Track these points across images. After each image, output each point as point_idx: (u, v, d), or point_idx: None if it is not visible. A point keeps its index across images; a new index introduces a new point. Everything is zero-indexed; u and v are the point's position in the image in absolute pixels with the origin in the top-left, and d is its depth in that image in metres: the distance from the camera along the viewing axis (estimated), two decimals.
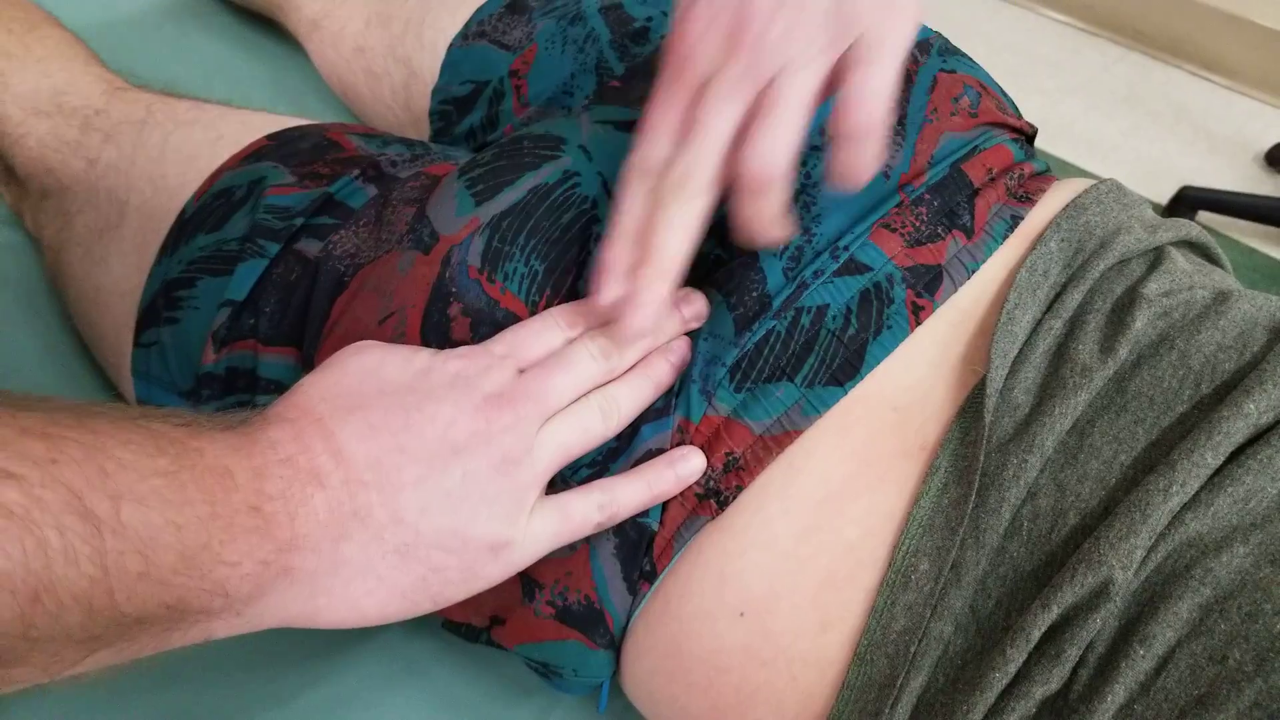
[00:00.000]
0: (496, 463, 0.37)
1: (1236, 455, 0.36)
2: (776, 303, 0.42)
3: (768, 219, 0.38)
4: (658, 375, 0.41)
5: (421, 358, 0.39)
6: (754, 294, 0.42)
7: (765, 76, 0.36)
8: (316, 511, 0.34)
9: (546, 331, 0.41)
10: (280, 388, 0.47)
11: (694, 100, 0.37)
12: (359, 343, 0.40)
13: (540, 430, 0.38)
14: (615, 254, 0.39)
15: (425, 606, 0.37)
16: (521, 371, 0.39)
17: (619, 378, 0.41)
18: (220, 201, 0.52)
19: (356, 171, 0.52)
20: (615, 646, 0.42)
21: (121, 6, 0.88)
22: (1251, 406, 0.36)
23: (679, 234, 0.37)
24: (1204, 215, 1.47)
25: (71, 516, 0.27)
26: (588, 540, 0.40)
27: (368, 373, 0.38)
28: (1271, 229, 1.48)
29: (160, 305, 0.51)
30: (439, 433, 0.37)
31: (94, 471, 0.28)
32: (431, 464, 0.36)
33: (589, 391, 0.40)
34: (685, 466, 0.40)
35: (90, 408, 0.32)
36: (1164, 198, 1.46)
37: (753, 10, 0.35)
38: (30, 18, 0.71)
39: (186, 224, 0.52)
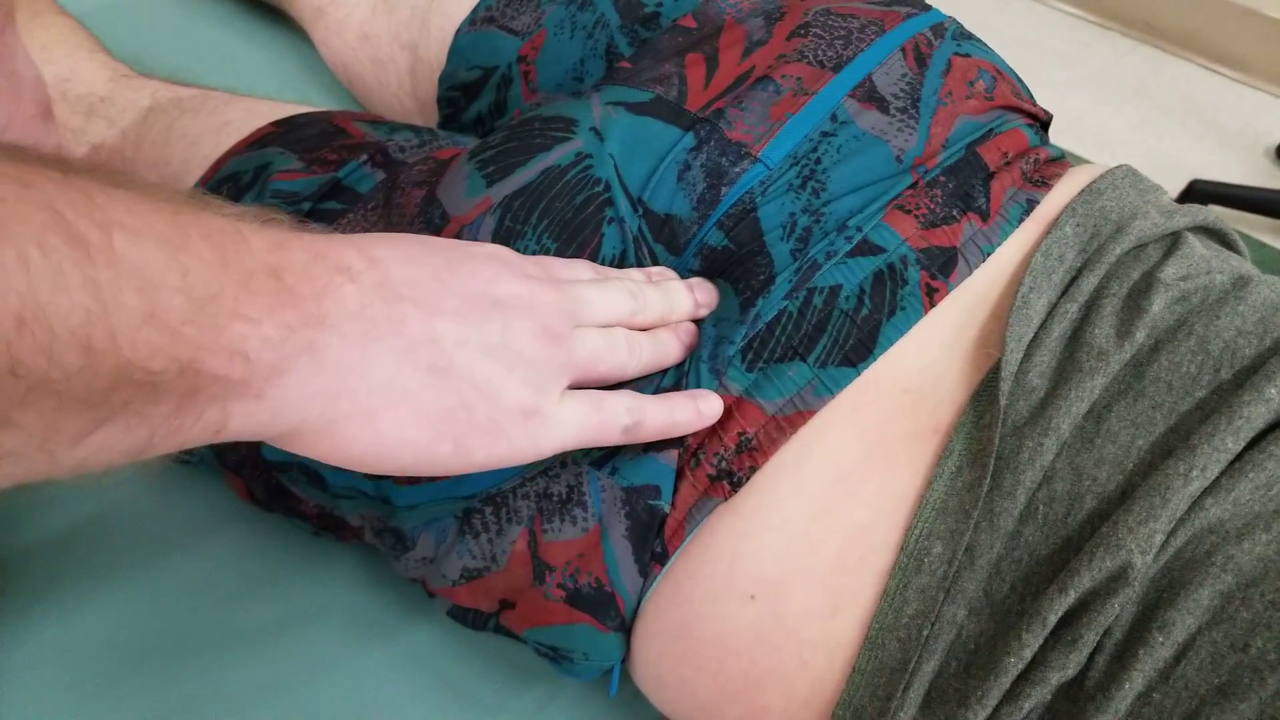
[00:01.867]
0: (537, 329, 0.36)
1: (1258, 441, 0.36)
2: (780, 279, 0.41)
3: None
4: (667, 345, 0.41)
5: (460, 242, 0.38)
6: (760, 277, 0.42)
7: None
8: (345, 300, 0.31)
9: (576, 266, 0.41)
10: None
11: None
12: None
13: (575, 328, 0.37)
14: None
15: (444, 450, 0.34)
16: None
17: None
18: (226, 186, 0.52)
19: (364, 157, 0.52)
20: (626, 629, 0.42)
21: None
22: (1273, 391, 0.36)
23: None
24: (1214, 209, 1.46)
25: (55, 236, 0.23)
26: (600, 521, 0.40)
27: (410, 236, 0.37)
28: None
29: None
30: (482, 284, 0.35)
31: (77, 196, 0.24)
32: (473, 305, 0.34)
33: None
34: (706, 404, 0.39)
35: (70, 160, 0.27)
36: (1174, 191, 1.45)
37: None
38: (34, 4, 0.71)
39: None
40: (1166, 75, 1.67)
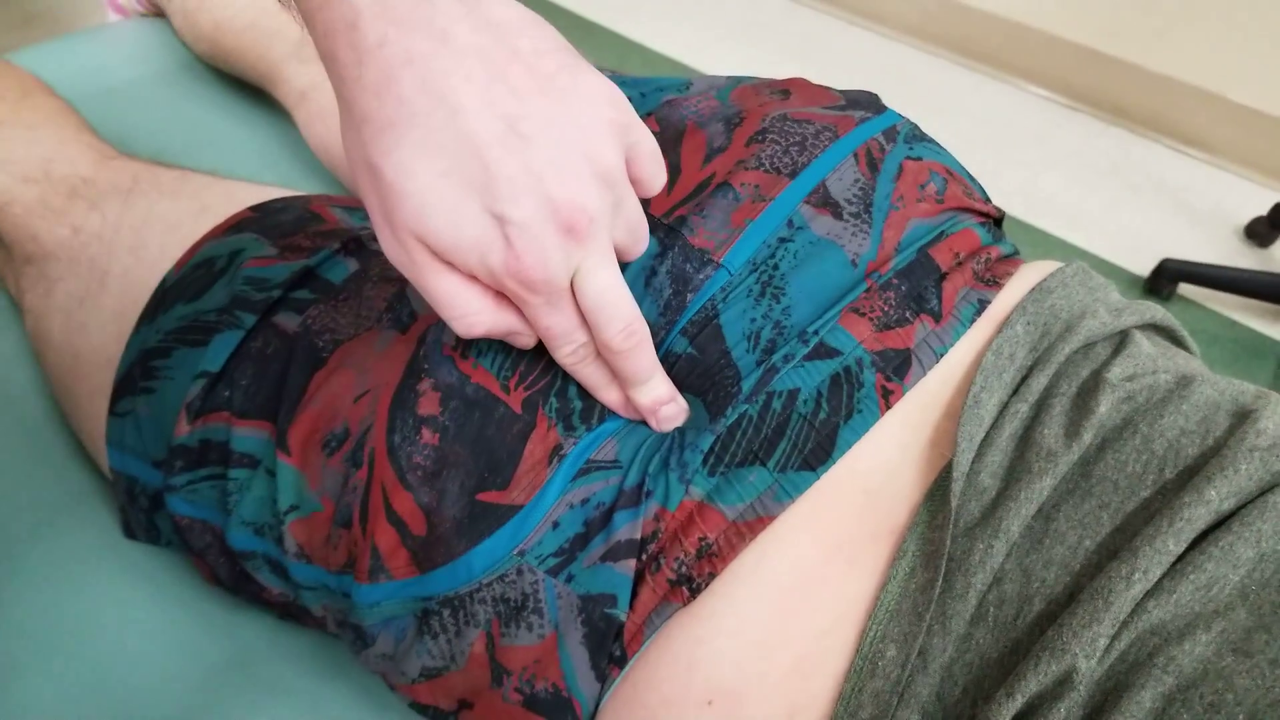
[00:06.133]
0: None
1: (1199, 542, 0.36)
2: (746, 386, 0.42)
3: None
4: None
5: None
6: (731, 389, 0.42)
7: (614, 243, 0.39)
8: None
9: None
10: (252, 462, 0.47)
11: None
12: None
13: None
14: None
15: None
16: None
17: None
18: (200, 272, 0.53)
19: (337, 245, 0.53)
20: None
21: (115, 75, 0.90)
22: (1213, 493, 0.36)
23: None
24: (1185, 288, 1.49)
25: None
26: (556, 628, 0.40)
27: None
28: (1251, 301, 1.49)
29: (137, 374, 0.51)
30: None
31: None
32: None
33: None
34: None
35: None
36: (1145, 270, 1.48)
37: (570, 205, 0.36)
38: (23, 85, 0.72)
39: (167, 293, 0.53)
40: (1137, 156, 1.72)
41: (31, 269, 0.62)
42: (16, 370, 0.66)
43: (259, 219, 0.56)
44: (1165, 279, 1.47)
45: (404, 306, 0.46)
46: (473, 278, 0.37)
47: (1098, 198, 1.61)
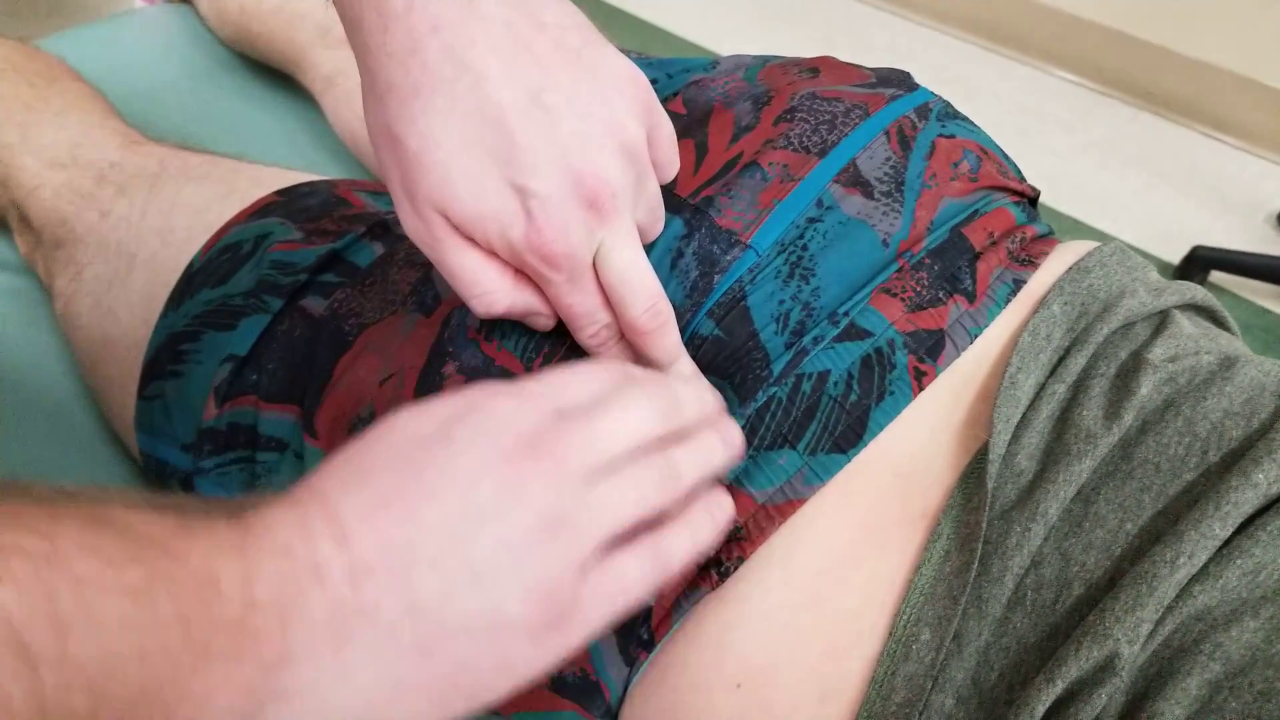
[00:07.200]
0: (533, 526, 0.30)
1: (1245, 526, 0.35)
2: (776, 368, 0.41)
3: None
4: (712, 449, 0.36)
5: (448, 405, 0.32)
6: (760, 372, 0.41)
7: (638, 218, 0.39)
8: (313, 614, 0.28)
9: (594, 378, 0.34)
10: (280, 445, 0.47)
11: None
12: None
13: (589, 489, 0.31)
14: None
15: (459, 708, 0.30)
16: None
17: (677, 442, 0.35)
18: (227, 256, 0.53)
19: (363, 229, 0.53)
20: (612, 715, 0.41)
21: (142, 61, 0.90)
22: (1260, 476, 0.36)
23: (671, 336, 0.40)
24: (1216, 275, 1.47)
25: (4, 651, 0.22)
26: None
27: (383, 433, 0.32)
28: None
29: (165, 358, 0.52)
30: (460, 493, 0.30)
31: (40, 597, 0.23)
32: (453, 534, 0.30)
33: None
34: (721, 513, 0.36)
35: (65, 499, 0.26)
36: (1176, 257, 1.46)
37: (594, 178, 0.35)
38: (51, 71, 0.73)
39: (193, 277, 0.53)
40: (1167, 142, 1.69)
41: (60, 253, 0.62)
42: (47, 354, 0.66)
43: (285, 203, 0.56)
44: (1196, 266, 1.45)
45: (429, 290, 0.46)
46: (493, 254, 0.37)
47: (1128, 184, 1.59)
